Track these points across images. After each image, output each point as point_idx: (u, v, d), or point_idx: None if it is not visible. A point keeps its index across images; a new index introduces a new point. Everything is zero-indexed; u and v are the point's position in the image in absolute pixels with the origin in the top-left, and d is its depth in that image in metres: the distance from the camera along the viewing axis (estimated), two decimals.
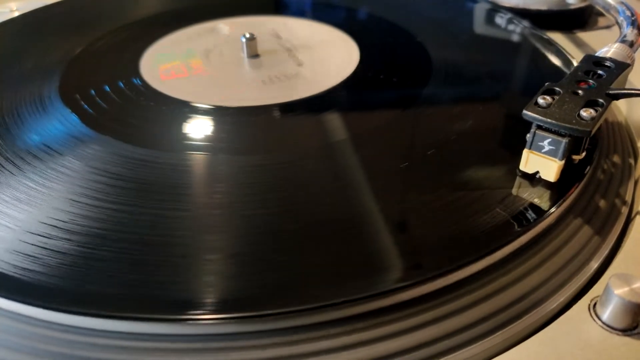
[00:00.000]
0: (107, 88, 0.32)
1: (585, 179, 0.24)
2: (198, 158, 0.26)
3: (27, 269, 0.20)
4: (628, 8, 0.33)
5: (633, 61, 0.27)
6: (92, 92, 0.32)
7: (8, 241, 0.21)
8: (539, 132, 0.22)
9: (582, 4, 0.43)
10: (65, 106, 0.30)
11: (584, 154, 0.23)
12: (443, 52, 0.35)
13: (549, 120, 0.22)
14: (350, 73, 0.34)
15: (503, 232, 0.21)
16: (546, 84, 0.24)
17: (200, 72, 0.34)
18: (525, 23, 0.40)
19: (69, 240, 0.21)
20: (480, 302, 0.20)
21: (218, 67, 0.35)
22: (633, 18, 0.31)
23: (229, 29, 0.41)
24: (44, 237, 0.21)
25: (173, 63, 0.35)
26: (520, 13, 0.42)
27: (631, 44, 0.29)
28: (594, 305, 0.20)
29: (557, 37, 0.41)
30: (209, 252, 0.20)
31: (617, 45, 0.28)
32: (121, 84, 0.32)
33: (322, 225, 0.22)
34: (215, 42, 0.39)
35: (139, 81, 0.33)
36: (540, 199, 0.22)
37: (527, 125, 0.23)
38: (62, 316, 0.18)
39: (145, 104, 0.31)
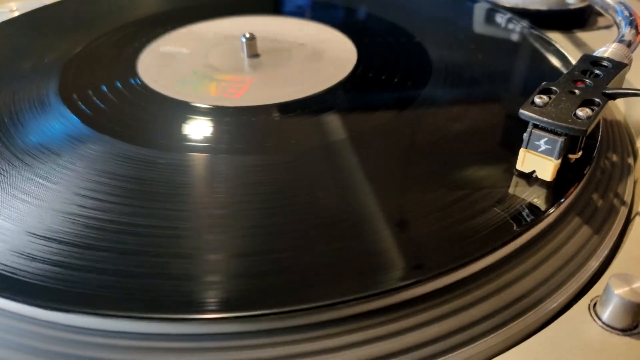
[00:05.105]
0: (105, 88, 0.32)
1: (584, 179, 0.24)
2: (198, 158, 0.26)
3: (28, 268, 0.20)
4: (626, 8, 0.33)
5: (630, 61, 0.27)
6: (91, 92, 0.31)
7: (8, 241, 0.21)
8: (535, 131, 0.23)
9: (582, 4, 0.43)
10: (64, 106, 0.30)
11: (580, 153, 0.23)
12: (442, 52, 0.35)
13: (545, 119, 0.22)
14: (348, 73, 0.34)
15: (503, 231, 0.21)
16: (543, 83, 0.24)
17: (250, 81, 0.34)
18: (525, 23, 0.40)
19: (69, 240, 0.21)
20: (480, 302, 0.20)
21: (248, 70, 0.35)
22: (631, 18, 0.31)
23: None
24: (44, 237, 0.21)
25: (210, 86, 0.33)
26: (520, 13, 0.42)
27: (629, 44, 0.29)
28: (594, 305, 0.20)
29: (557, 37, 0.41)
30: (210, 252, 0.20)
31: (614, 45, 0.28)
32: (119, 84, 0.33)
33: (323, 225, 0.22)
34: (193, 56, 0.37)
35: (138, 81, 0.33)
36: (540, 198, 0.22)
37: (524, 124, 0.23)
38: (62, 316, 0.18)
39: (145, 104, 0.31)
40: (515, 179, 0.24)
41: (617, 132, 0.30)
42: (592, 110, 0.22)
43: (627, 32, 0.30)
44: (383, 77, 0.33)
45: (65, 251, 0.20)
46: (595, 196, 0.24)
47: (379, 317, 0.19)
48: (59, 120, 0.29)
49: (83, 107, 0.30)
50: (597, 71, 0.25)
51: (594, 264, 0.22)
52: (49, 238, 0.21)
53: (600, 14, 0.45)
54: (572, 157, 0.23)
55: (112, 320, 0.18)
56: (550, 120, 0.22)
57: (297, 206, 0.22)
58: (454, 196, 0.23)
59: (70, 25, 0.42)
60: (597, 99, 0.23)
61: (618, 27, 0.32)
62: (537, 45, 0.37)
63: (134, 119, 0.29)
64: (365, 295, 0.18)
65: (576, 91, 0.23)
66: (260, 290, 0.19)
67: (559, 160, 0.22)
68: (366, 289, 0.18)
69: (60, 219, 0.22)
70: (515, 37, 0.39)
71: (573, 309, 0.20)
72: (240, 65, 0.36)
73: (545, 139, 0.22)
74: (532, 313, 0.20)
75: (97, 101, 0.31)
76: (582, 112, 0.22)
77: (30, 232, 0.21)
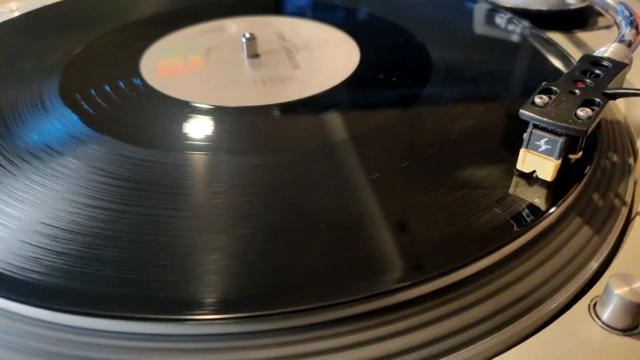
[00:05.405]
0: (107, 88, 0.32)
1: (585, 179, 0.24)
2: (198, 158, 0.26)
3: (28, 269, 0.20)
4: (627, 8, 0.33)
5: (631, 61, 0.27)
6: (93, 92, 0.32)
7: (8, 241, 0.21)
8: (535, 131, 0.23)
9: (582, 4, 0.43)
10: (65, 106, 0.30)
11: (580, 153, 0.23)
12: (443, 52, 0.35)
13: (545, 119, 0.22)
14: (350, 73, 0.34)
15: (503, 232, 0.21)
16: (543, 83, 0.24)
17: (195, 70, 0.35)
18: (525, 23, 0.40)
19: (69, 240, 0.21)
20: (480, 302, 0.20)
21: (215, 65, 0.36)
22: (632, 18, 0.31)
23: (236, 28, 0.41)
24: (45, 237, 0.21)
25: (173, 59, 0.35)
26: (520, 13, 0.42)
27: (629, 44, 0.29)
28: (594, 305, 0.20)
29: (557, 37, 0.41)
30: (210, 253, 0.20)
31: (615, 45, 0.28)
32: (121, 84, 0.33)
33: (323, 225, 0.22)
34: (220, 40, 0.39)
35: (139, 81, 0.33)
36: (541, 198, 0.22)
37: (524, 124, 0.23)
38: (62, 316, 0.18)
39: (146, 104, 0.31)
40: (515, 179, 0.24)
41: (618, 132, 0.30)
42: (593, 110, 0.22)
43: (628, 32, 0.30)
44: (384, 78, 0.33)
45: (65, 251, 0.20)
46: (595, 196, 0.24)
47: (378, 317, 0.19)
48: (60, 120, 0.29)
49: (86, 106, 0.30)
50: (597, 71, 0.25)
51: (594, 264, 0.22)
52: (49, 238, 0.21)
53: (601, 14, 0.45)
54: (573, 157, 0.23)
55: (111, 321, 0.18)
56: (550, 121, 0.22)
57: (297, 206, 0.22)
58: (454, 196, 0.23)
59: (71, 25, 0.42)
60: (597, 99, 0.23)
61: (618, 27, 0.32)
62: (538, 45, 0.37)
63: (135, 118, 0.29)
64: (365, 296, 0.18)
65: (576, 91, 0.23)
66: (260, 291, 0.19)
67: (559, 161, 0.22)
68: (366, 290, 0.18)
69: (61, 219, 0.22)
70: (515, 37, 0.39)
71: (573, 309, 0.20)
72: (221, 59, 0.36)
73: (546, 139, 0.22)
74: (532, 313, 0.20)
75: (100, 101, 0.31)
76: (583, 112, 0.22)
77: (30, 232, 0.21)
